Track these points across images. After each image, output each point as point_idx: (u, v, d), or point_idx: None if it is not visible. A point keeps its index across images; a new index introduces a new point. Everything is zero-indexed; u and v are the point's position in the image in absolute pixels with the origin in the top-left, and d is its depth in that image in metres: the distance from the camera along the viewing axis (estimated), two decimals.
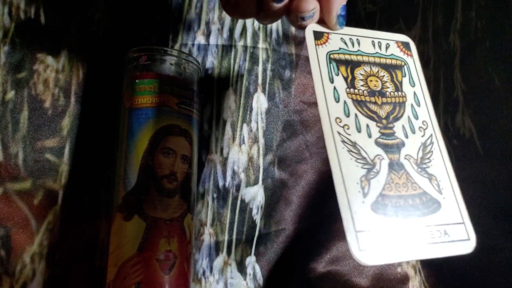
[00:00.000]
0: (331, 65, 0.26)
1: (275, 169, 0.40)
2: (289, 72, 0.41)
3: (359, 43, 0.28)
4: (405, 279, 0.39)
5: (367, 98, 0.26)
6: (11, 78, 0.32)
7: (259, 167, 0.39)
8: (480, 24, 0.35)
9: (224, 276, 0.36)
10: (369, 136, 0.25)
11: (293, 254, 0.39)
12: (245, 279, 0.37)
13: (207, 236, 0.37)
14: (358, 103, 0.26)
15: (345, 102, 0.25)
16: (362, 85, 0.27)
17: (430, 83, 0.39)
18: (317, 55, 0.26)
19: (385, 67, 0.28)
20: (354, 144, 0.24)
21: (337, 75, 0.26)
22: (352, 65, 0.27)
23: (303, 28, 0.26)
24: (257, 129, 0.40)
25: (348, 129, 0.24)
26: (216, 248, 0.37)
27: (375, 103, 0.26)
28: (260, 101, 0.40)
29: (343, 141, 0.24)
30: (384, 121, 0.26)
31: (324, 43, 0.27)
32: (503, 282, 0.31)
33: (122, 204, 0.30)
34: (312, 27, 0.27)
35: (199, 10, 0.39)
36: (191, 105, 0.32)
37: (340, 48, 0.27)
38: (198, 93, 0.34)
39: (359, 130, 0.25)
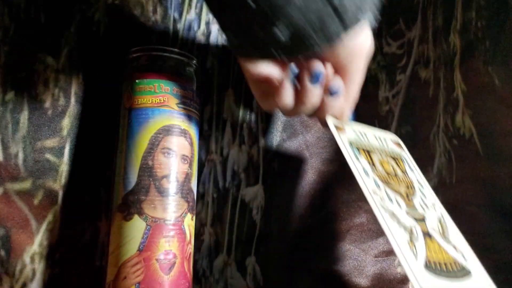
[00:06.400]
0: (353, 149, 0.29)
1: (275, 169, 0.40)
2: None
3: (366, 136, 0.32)
4: (405, 279, 0.39)
5: (387, 178, 0.29)
6: (11, 78, 0.32)
7: (259, 167, 0.39)
8: (480, 24, 0.35)
9: (224, 276, 0.36)
10: (400, 208, 0.27)
11: (293, 254, 0.39)
12: (245, 279, 0.37)
13: (207, 236, 0.37)
14: (383, 180, 0.28)
15: (374, 178, 0.28)
16: (380, 167, 0.29)
17: (430, 83, 0.39)
18: (340, 139, 0.29)
19: (390, 156, 0.32)
20: (392, 213, 0.25)
21: (360, 157, 0.29)
22: (368, 151, 0.30)
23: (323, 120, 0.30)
24: (257, 129, 0.40)
25: (383, 200, 0.26)
26: (216, 248, 0.37)
27: (394, 183, 0.29)
28: None
29: (384, 208, 0.25)
30: (406, 197, 0.28)
31: (342, 131, 0.30)
32: (503, 282, 0.31)
33: (122, 204, 0.30)
34: (331, 119, 0.30)
35: (199, 10, 0.39)
36: (191, 105, 0.32)
37: (355, 137, 0.30)
38: (198, 93, 0.34)
39: (391, 202, 0.27)
